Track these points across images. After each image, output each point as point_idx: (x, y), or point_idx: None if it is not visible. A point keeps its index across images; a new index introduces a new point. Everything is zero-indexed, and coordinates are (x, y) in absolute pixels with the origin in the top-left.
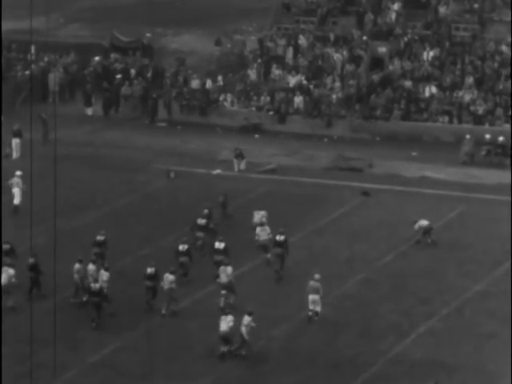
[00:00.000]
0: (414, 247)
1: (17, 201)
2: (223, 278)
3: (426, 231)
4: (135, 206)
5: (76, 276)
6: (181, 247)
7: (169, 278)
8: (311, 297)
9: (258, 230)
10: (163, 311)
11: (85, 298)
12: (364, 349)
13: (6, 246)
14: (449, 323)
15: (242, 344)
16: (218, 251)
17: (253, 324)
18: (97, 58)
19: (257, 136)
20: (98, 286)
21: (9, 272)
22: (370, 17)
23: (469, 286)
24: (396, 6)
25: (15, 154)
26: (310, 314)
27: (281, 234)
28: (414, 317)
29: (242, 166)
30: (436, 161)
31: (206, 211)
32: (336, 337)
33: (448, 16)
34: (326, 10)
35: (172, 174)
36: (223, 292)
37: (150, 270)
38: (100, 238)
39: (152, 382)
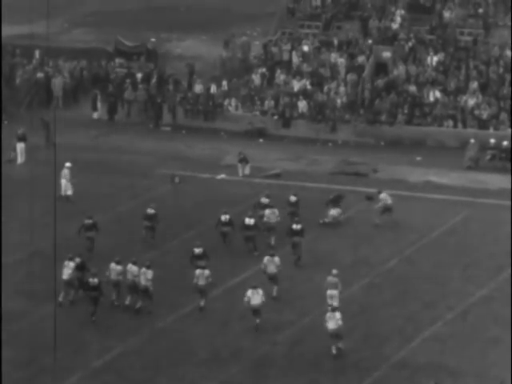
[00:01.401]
0: (418, 252)
1: (64, 192)
2: (271, 269)
3: (387, 209)
4: (139, 210)
5: (115, 278)
6: (223, 217)
7: (204, 273)
8: (329, 292)
9: (268, 212)
10: (201, 304)
11: (127, 302)
12: (368, 353)
13: (88, 221)
14: (453, 328)
15: (337, 340)
16: (248, 227)
17: (340, 322)
18: (111, 64)
19: (261, 140)
20: (96, 280)
21: (70, 266)
22: (374, 22)
23: (473, 290)
24: (400, 11)
25: (20, 159)
26: (329, 309)
27: (297, 223)
28: (418, 321)
29: (247, 170)
30: (440, 165)
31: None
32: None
33: (452, 21)
34: (331, 14)
35: (176, 179)
36: (271, 283)
37: (197, 251)
38: (150, 211)
39: None
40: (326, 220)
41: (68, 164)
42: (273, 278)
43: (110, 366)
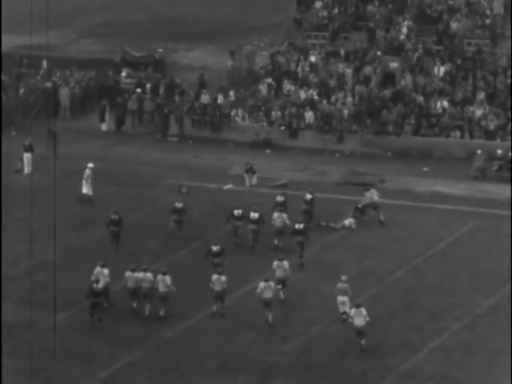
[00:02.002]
0: (425, 262)
1: (84, 191)
2: (280, 273)
3: (375, 207)
4: (146, 221)
5: (133, 286)
6: (236, 212)
7: (221, 279)
8: (340, 298)
9: (275, 215)
10: (213, 309)
11: (161, 313)
12: (375, 364)
13: (114, 216)
14: (460, 339)
15: (361, 337)
16: (253, 221)
17: (367, 318)
18: (124, 74)
19: (268, 151)
20: (100, 286)
21: (104, 273)
22: (381, 32)
23: (480, 301)
24: (407, 22)
25: (27, 169)
26: (344, 316)
27: (299, 222)
28: (425, 332)
29: (254, 180)
30: (448, 176)
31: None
32: (347, 352)
33: (460, 31)
34: (338, 25)
35: (184, 189)
36: (279, 286)
37: (215, 248)
38: (178, 205)
39: None
40: (331, 224)
41: (90, 165)
42: (281, 282)
43: (117, 376)
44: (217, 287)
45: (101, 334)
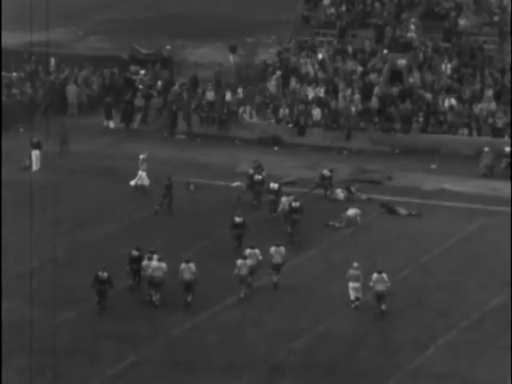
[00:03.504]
0: (433, 260)
1: (140, 181)
2: (276, 259)
3: (325, 179)
4: (154, 218)
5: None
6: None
7: (246, 263)
8: (351, 284)
9: (284, 199)
10: (241, 295)
11: (189, 299)
12: (382, 362)
13: (167, 182)
14: (468, 336)
15: (381, 302)
16: (271, 191)
17: (388, 284)
18: (142, 71)
19: (276, 148)
20: (105, 275)
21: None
22: (389, 29)
23: (488, 298)
24: (414, 19)
25: (35, 166)
26: (353, 305)
27: (295, 200)
28: (432, 330)
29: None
30: (455, 173)
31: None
32: (355, 349)
33: (467, 29)
34: (346, 22)
35: (191, 187)
36: (272, 271)
37: (237, 220)
38: (250, 171)
39: None
40: (337, 225)
41: (142, 156)
42: (277, 268)
43: (124, 374)
44: (242, 272)
45: (108, 331)
